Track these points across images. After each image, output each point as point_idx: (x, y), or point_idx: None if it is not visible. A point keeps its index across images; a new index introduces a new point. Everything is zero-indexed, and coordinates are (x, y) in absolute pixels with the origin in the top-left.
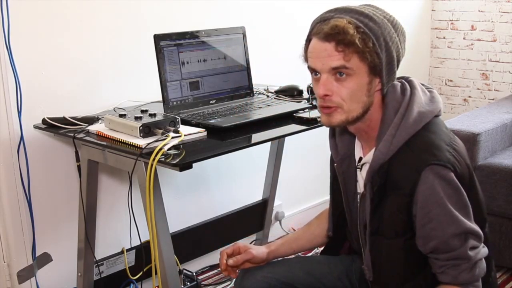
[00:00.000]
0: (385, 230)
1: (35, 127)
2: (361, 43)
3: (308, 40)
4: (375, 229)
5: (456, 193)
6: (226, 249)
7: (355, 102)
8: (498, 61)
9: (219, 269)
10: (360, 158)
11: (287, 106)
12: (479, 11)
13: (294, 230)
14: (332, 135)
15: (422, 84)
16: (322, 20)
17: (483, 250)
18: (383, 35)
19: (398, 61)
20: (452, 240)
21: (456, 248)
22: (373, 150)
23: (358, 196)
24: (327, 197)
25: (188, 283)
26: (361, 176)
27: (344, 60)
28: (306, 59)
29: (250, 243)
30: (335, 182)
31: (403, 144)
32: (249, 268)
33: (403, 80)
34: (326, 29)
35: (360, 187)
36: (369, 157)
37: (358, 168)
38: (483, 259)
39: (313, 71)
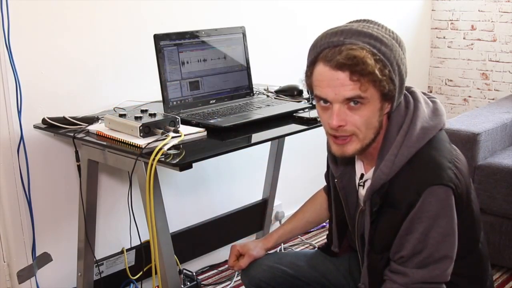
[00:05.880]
0: (377, 245)
1: (35, 127)
2: (380, 72)
3: (313, 64)
4: (373, 246)
5: (447, 216)
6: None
7: (369, 129)
8: (498, 61)
9: (228, 266)
10: (362, 175)
11: (287, 106)
12: (479, 11)
13: None
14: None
15: (424, 93)
16: (331, 45)
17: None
18: (395, 59)
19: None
20: (412, 260)
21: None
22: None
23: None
24: None
25: (188, 283)
26: (363, 192)
27: (360, 90)
28: (310, 85)
29: None
30: (336, 194)
31: (405, 163)
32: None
33: (406, 92)
34: (340, 59)
35: (361, 202)
36: (371, 173)
37: (361, 185)
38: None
39: (321, 99)
